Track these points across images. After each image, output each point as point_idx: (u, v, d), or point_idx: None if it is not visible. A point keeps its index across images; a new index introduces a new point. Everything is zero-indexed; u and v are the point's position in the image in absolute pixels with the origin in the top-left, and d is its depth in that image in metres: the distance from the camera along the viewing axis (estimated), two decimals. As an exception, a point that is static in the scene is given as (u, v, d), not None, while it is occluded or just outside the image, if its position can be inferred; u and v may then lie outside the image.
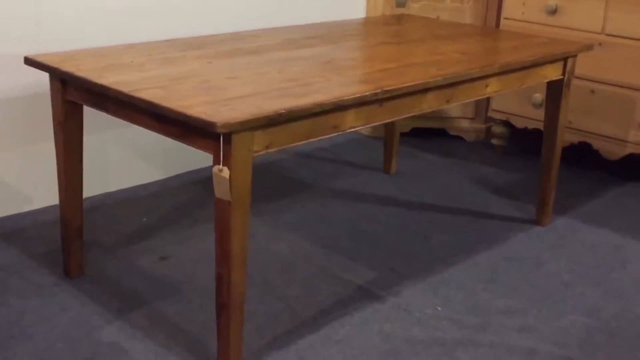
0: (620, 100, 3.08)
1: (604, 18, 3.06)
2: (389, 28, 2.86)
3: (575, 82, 2.88)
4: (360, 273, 2.42)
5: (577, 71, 2.95)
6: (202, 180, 3.06)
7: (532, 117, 3.34)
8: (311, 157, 3.40)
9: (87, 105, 2.07)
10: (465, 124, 3.71)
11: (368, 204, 2.95)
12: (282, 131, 1.80)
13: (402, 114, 2.13)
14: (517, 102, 3.37)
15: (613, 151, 3.13)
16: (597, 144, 3.18)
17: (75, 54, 2.17)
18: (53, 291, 2.23)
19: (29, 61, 2.10)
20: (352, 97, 1.90)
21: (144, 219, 2.72)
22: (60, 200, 2.24)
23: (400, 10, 3.51)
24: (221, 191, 1.73)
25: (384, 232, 2.71)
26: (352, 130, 1.99)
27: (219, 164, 1.72)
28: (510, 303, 2.29)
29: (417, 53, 2.42)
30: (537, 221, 2.83)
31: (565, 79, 2.64)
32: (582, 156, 3.48)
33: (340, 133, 1.96)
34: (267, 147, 1.78)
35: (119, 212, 2.77)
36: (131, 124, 1.95)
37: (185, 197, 2.93)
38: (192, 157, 3.03)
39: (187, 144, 1.80)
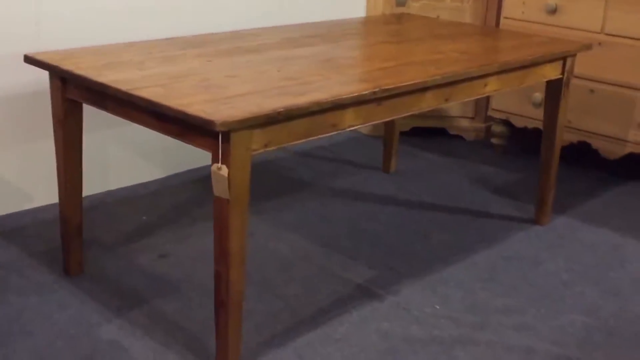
0: (620, 100, 3.08)
1: (603, 18, 3.07)
2: (388, 27, 2.86)
3: (574, 81, 2.88)
4: (359, 272, 2.42)
5: (577, 70, 2.95)
6: (201, 179, 3.06)
7: (531, 116, 3.34)
8: (311, 156, 3.41)
9: (86, 103, 2.07)
10: (465, 123, 3.72)
11: (367, 203, 2.95)
12: (281, 130, 1.81)
13: (401, 112, 2.13)
14: (517, 101, 3.38)
15: (612, 151, 3.14)
16: (596, 143, 3.18)
17: (75, 52, 2.17)
18: (53, 289, 2.24)
19: (28, 59, 2.11)
20: (350, 95, 1.91)
21: (144, 217, 2.73)
22: (60, 199, 2.25)
23: (400, 10, 3.51)
24: (220, 189, 1.74)
25: (384, 231, 2.72)
26: (352, 129, 2.00)
27: (218, 162, 1.72)
28: (508, 302, 2.29)
29: (416, 52, 2.42)
30: (536, 220, 2.83)
31: (565, 78, 2.64)
32: (581, 155, 3.48)
33: (339, 132, 1.96)
34: (266, 146, 1.79)
35: (119, 211, 2.77)
36: (131, 123, 1.95)
37: (184, 195, 2.94)
38: (192, 156, 3.04)
39: (186, 143, 1.80)
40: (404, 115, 2.18)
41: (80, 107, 2.15)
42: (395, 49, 2.46)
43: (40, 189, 2.73)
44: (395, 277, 2.40)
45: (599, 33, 3.08)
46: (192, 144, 1.79)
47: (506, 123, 3.48)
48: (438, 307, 2.25)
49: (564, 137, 3.01)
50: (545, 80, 2.62)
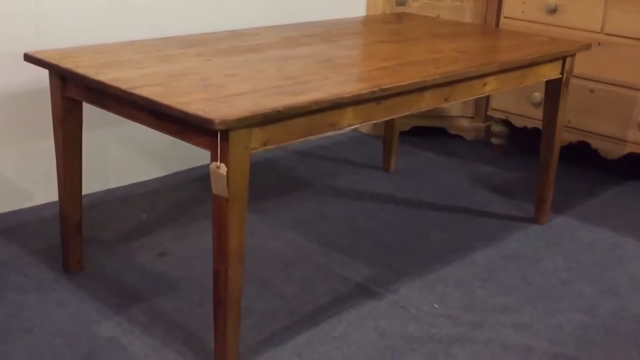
0: (619, 100, 3.08)
1: (603, 17, 3.07)
2: (388, 26, 2.86)
3: (574, 81, 2.89)
4: (358, 270, 2.43)
5: (576, 70, 2.95)
6: (201, 178, 3.07)
7: (531, 116, 3.34)
8: (310, 155, 3.41)
9: (86, 102, 2.08)
10: (464, 122, 3.72)
11: (367, 202, 2.96)
12: (280, 128, 1.81)
13: (399, 112, 2.14)
14: (517, 101, 3.38)
15: (612, 150, 3.14)
16: (595, 143, 3.18)
17: (75, 51, 2.18)
18: (52, 287, 2.24)
19: (28, 58, 2.11)
20: (349, 95, 1.91)
21: (143, 216, 2.74)
22: (60, 197, 2.26)
23: (400, 9, 3.51)
24: (218, 188, 1.74)
25: (383, 229, 2.72)
26: (351, 128, 2.00)
27: (217, 161, 1.72)
28: (506, 300, 2.30)
29: (415, 51, 2.42)
30: (535, 219, 2.84)
31: (564, 78, 2.65)
32: (580, 155, 3.49)
33: (338, 131, 1.97)
34: (264, 145, 1.79)
35: (118, 209, 2.78)
36: (130, 121, 1.96)
37: (184, 194, 2.94)
38: (191, 155, 3.04)
39: (185, 141, 1.81)
40: (403, 114, 2.18)
41: (80, 106, 2.15)
42: (395, 49, 2.46)
43: (40, 187, 2.74)
44: (394, 275, 2.40)
45: (599, 33, 3.09)
46: (191, 143, 1.79)
47: (506, 123, 3.49)
48: (436, 305, 2.25)
49: (564, 136, 3.01)
50: (545, 80, 2.62)
